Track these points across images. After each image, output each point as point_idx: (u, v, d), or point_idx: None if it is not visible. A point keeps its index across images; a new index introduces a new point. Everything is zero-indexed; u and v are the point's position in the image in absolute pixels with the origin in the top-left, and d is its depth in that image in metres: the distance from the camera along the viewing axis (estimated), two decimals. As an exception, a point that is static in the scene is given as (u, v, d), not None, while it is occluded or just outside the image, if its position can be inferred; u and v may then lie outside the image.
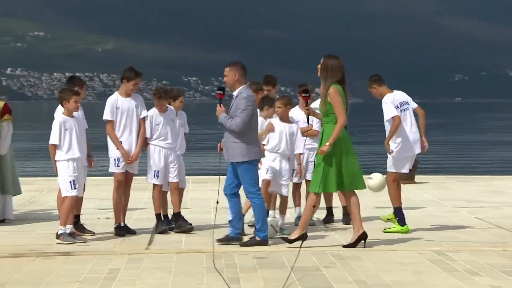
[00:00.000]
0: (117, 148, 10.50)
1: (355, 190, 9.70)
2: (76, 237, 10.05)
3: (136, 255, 9.20)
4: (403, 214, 10.78)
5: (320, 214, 11.79)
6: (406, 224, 10.74)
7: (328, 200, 11.59)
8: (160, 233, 10.57)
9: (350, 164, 9.56)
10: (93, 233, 10.57)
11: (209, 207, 12.72)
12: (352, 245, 9.62)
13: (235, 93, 9.81)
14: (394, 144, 10.77)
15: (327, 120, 9.56)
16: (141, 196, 13.77)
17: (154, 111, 10.77)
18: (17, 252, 9.37)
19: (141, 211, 12.51)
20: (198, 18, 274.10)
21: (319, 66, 9.64)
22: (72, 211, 10.05)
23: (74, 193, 9.99)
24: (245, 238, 9.98)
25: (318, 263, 8.79)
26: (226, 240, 9.82)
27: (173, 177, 10.79)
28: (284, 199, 10.69)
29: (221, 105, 9.79)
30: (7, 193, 11.65)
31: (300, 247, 9.07)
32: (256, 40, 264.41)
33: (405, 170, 10.88)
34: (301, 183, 11.31)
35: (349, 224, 11.36)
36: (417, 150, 10.88)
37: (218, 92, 9.93)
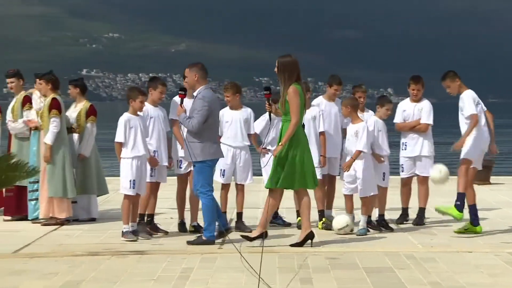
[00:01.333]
0: (182, 148, 10.64)
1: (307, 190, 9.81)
2: (140, 235, 10.21)
3: (209, 255, 9.25)
4: (477, 213, 10.59)
5: (394, 214, 11.69)
6: (479, 224, 10.57)
7: (405, 201, 11.48)
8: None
9: (303, 163, 9.62)
10: (167, 233, 10.69)
11: (280, 207, 12.68)
12: (299, 244, 9.60)
13: (195, 94, 10.03)
14: (469, 141, 10.54)
15: (286, 119, 9.64)
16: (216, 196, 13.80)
17: (224, 109, 10.86)
18: (93, 251, 9.52)
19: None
20: (270, 19, 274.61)
21: (275, 69, 9.70)
22: (130, 209, 10.24)
23: (131, 192, 10.20)
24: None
25: (391, 264, 8.71)
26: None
27: (240, 179, 10.82)
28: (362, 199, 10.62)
29: (182, 105, 10.06)
30: (91, 193, 11.87)
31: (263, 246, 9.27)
32: (329, 40, 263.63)
33: (478, 166, 10.66)
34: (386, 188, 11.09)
35: (420, 225, 11.24)
36: (486, 147, 10.68)
37: (180, 92, 10.15)
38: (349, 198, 10.68)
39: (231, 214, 11.31)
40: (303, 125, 9.94)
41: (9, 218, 11.99)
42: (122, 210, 10.27)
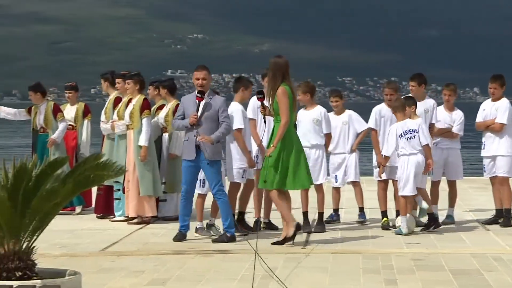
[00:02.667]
0: (259, 145, 10.65)
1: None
2: (212, 231, 10.41)
3: (292, 255, 9.26)
4: None
5: (482, 215, 11.49)
6: None
7: (496, 202, 11.24)
8: (307, 233, 10.62)
9: (295, 163, 9.60)
10: (248, 233, 10.70)
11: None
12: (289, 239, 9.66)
13: (206, 96, 10.05)
14: None
15: (278, 120, 9.66)
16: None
17: (301, 111, 10.86)
18: (178, 250, 9.64)
19: (297, 210, 12.56)
20: (353, 19, 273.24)
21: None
22: (202, 206, 10.49)
23: (199, 191, 10.41)
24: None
25: (478, 266, 8.58)
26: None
27: (313, 179, 10.63)
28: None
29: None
30: (179, 191, 12.02)
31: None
32: (411, 39, 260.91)
33: None
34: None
35: (508, 226, 11.01)
36: None
37: (201, 96, 10.07)
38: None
39: (314, 215, 11.28)
40: (295, 125, 9.93)
41: (99, 216, 12.22)
42: (196, 206, 10.49)
